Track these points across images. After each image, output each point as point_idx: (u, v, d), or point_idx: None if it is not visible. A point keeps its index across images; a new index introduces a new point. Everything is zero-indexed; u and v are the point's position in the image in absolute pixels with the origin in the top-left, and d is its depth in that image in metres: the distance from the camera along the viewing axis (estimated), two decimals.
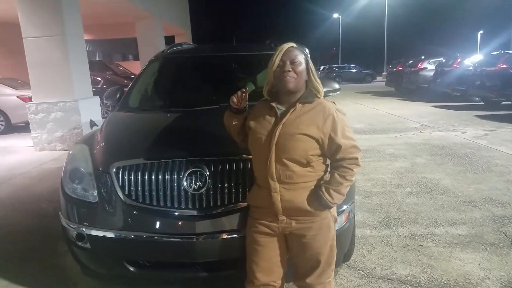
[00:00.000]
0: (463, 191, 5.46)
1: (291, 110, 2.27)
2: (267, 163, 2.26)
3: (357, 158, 2.26)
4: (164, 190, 2.64)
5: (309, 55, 2.49)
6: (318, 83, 2.34)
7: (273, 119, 2.31)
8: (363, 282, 3.31)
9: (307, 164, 2.25)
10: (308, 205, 2.27)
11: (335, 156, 2.26)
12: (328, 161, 2.37)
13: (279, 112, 2.32)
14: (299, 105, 2.28)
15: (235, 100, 2.43)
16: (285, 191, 2.27)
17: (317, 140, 2.23)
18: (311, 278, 2.43)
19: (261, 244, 2.39)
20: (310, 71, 2.33)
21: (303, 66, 2.28)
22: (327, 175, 2.35)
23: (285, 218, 2.31)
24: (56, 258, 3.90)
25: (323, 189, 2.25)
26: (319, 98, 2.33)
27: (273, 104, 2.34)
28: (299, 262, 2.45)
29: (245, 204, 2.59)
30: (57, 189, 3.25)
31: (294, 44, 2.34)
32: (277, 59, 2.27)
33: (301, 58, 2.28)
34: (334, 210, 2.44)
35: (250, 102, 2.51)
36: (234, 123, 2.53)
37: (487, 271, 3.42)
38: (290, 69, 2.24)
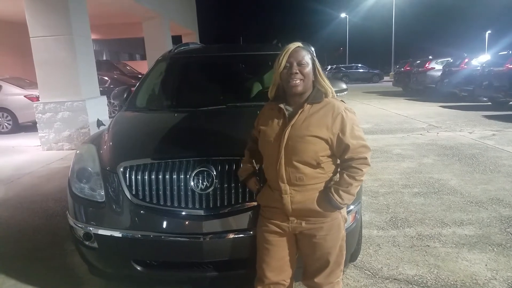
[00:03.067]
0: (470, 191, 5.44)
1: (299, 111, 2.25)
2: (277, 166, 2.25)
3: (366, 158, 2.24)
4: (171, 190, 2.64)
5: (314, 54, 2.47)
6: (325, 82, 2.32)
7: (282, 121, 2.29)
8: (370, 282, 3.31)
9: (317, 165, 2.23)
10: (319, 206, 2.26)
11: (344, 156, 2.24)
12: (338, 161, 2.36)
13: (287, 114, 2.29)
14: (307, 106, 2.26)
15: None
16: (295, 193, 2.26)
17: (326, 141, 2.21)
18: (320, 277, 2.42)
19: (272, 243, 2.39)
20: (317, 71, 2.30)
21: (310, 67, 2.25)
22: (337, 175, 2.34)
23: (295, 218, 2.31)
24: (64, 258, 3.91)
25: (333, 190, 2.24)
26: (327, 97, 2.31)
27: (281, 106, 2.31)
28: (309, 262, 2.44)
29: (252, 204, 2.60)
30: (64, 188, 3.27)
31: (300, 44, 2.30)
32: (283, 60, 2.24)
33: (307, 58, 2.25)
34: (344, 211, 2.43)
35: (258, 102, 2.51)
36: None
37: (494, 271, 3.40)
38: (298, 71, 2.21)
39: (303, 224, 2.31)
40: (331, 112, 2.23)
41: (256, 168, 2.57)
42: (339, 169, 2.33)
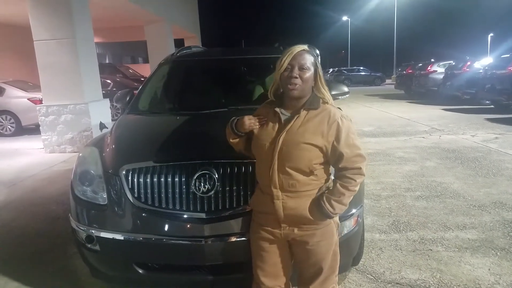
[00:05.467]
0: (473, 195, 5.43)
1: (295, 117, 2.23)
2: (269, 171, 2.23)
3: (360, 168, 2.22)
4: (173, 193, 2.65)
5: (319, 58, 2.45)
6: (325, 89, 2.30)
7: (277, 125, 2.27)
8: (372, 286, 3.30)
9: (310, 173, 2.21)
10: (310, 214, 2.24)
11: (338, 165, 2.23)
12: (332, 168, 2.34)
13: (283, 118, 2.27)
14: (303, 112, 2.24)
15: (247, 125, 2.35)
16: (288, 199, 2.24)
17: (321, 149, 2.19)
18: (315, 284, 2.41)
19: (265, 249, 2.38)
20: (318, 77, 2.28)
21: (311, 72, 2.23)
22: (330, 182, 2.32)
23: (287, 225, 2.29)
24: (66, 260, 3.92)
25: (325, 199, 2.22)
26: (324, 104, 2.30)
27: (277, 110, 2.29)
28: (303, 269, 2.44)
29: None
30: (67, 191, 3.27)
31: (305, 47, 2.27)
32: (285, 62, 2.21)
33: (310, 63, 2.22)
34: (336, 216, 2.40)
35: (259, 105, 2.50)
36: (241, 143, 2.47)
37: (497, 276, 3.39)
38: (297, 75, 2.19)
39: (295, 231, 2.29)
40: (327, 119, 2.22)
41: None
42: (332, 177, 2.31)
